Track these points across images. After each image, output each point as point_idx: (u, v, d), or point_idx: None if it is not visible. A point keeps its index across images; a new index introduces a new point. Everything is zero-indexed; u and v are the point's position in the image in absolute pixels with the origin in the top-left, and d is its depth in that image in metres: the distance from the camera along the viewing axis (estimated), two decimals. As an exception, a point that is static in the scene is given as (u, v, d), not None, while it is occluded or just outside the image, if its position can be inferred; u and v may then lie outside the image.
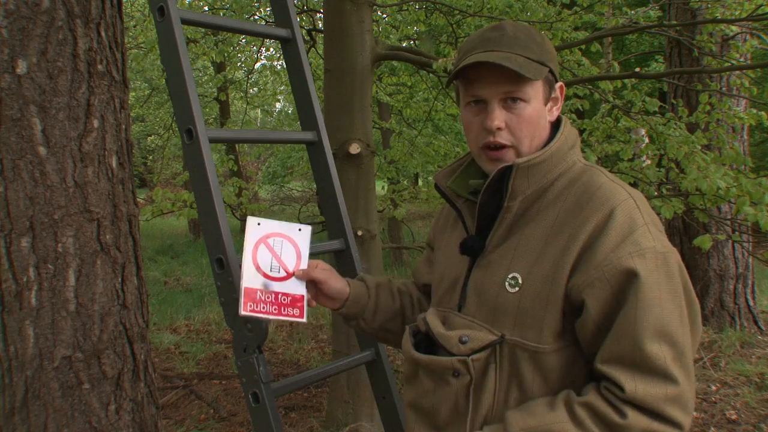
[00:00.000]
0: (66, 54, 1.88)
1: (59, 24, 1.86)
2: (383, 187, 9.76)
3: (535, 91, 1.23)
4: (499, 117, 1.22)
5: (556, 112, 1.29)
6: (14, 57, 1.82)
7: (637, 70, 4.79)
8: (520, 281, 1.21)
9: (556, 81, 1.28)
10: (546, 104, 1.27)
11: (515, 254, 1.23)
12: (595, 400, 1.12)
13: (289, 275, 1.44)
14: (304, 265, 1.47)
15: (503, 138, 1.24)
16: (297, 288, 1.44)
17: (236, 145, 12.10)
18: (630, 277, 1.11)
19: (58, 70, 1.86)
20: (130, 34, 9.58)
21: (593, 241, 1.14)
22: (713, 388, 4.51)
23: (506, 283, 1.22)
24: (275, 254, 1.43)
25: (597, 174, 1.22)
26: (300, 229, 1.48)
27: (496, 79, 1.20)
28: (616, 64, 5.43)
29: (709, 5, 5.11)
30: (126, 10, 10.53)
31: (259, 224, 1.43)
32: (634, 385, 1.09)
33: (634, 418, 1.09)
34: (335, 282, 1.49)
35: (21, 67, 1.82)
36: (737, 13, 4.81)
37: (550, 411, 1.14)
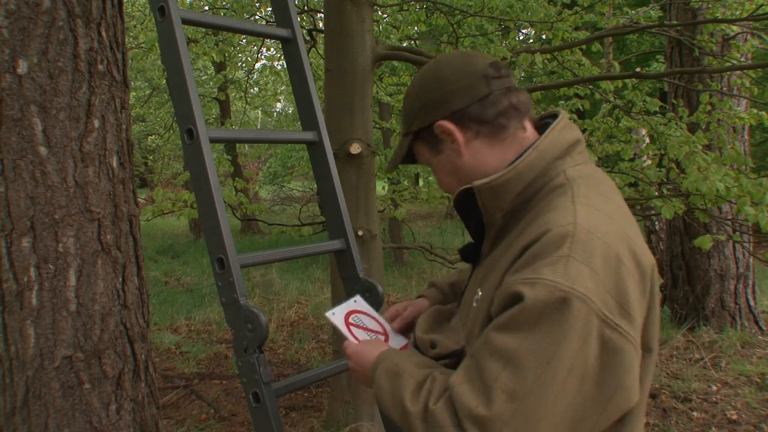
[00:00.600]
0: (67, 54, 1.88)
1: (60, 24, 1.86)
2: (384, 187, 9.76)
3: (421, 152, 1.31)
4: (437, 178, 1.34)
5: (462, 139, 1.22)
6: (15, 57, 1.82)
7: (638, 70, 4.79)
8: (479, 295, 1.19)
9: (430, 126, 1.24)
10: (439, 154, 1.26)
11: (489, 268, 1.21)
12: (437, 377, 1.12)
13: (386, 335, 1.50)
14: (386, 321, 1.53)
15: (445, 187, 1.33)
16: (400, 341, 1.50)
17: (236, 145, 12.10)
18: (515, 300, 1.03)
19: (58, 70, 1.86)
20: (131, 33, 9.58)
21: (516, 260, 1.10)
22: (714, 388, 4.51)
23: (474, 297, 1.20)
24: (365, 328, 1.50)
25: (565, 193, 1.13)
26: (355, 300, 1.58)
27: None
28: (616, 64, 5.43)
29: (710, 5, 5.11)
30: (126, 9, 10.53)
31: (333, 314, 1.51)
32: (459, 381, 1.05)
33: (440, 410, 1.05)
34: (418, 308, 1.52)
35: (22, 67, 1.82)
36: (738, 13, 4.81)
37: (416, 369, 1.16)
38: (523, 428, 1.00)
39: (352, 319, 1.53)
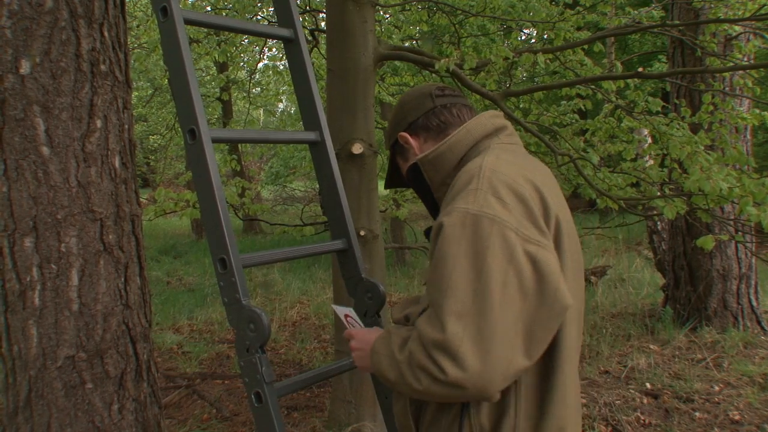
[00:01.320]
0: (69, 54, 1.88)
1: (62, 24, 1.87)
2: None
3: (400, 165, 1.62)
4: None
5: (415, 144, 1.53)
6: (18, 57, 1.82)
7: (640, 70, 4.78)
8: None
9: (398, 140, 1.56)
10: (407, 161, 1.56)
11: None
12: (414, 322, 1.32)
13: None
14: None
15: None
16: None
17: (239, 145, 12.08)
18: (438, 231, 1.23)
19: (61, 70, 1.87)
20: (133, 34, 9.59)
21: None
22: (716, 388, 4.50)
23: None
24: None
25: (481, 154, 1.36)
26: (352, 308, 1.73)
27: None
28: (618, 64, 5.41)
29: (712, 5, 5.10)
30: (129, 10, 10.55)
31: (337, 308, 1.73)
32: (421, 321, 1.22)
33: (414, 348, 1.21)
34: None
35: (24, 68, 1.83)
36: (740, 12, 4.80)
37: (404, 330, 1.32)
38: (479, 341, 1.13)
39: (348, 320, 1.68)
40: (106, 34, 1.98)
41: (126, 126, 2.07)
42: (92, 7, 1.93)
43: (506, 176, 1.25)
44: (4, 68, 1.82)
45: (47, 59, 1.85)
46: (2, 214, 1.85)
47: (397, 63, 8.27)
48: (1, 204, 1.85)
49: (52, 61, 1.85)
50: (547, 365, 1.27)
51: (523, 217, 1.20)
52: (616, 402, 4.25)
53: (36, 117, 1.84)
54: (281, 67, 9.28)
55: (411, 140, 1.53)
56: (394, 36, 7.19)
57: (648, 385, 4.58)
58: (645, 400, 4.31)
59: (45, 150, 1.85)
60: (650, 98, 5.12)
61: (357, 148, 3.62)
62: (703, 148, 4.16)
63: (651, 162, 5.31)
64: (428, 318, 1.20)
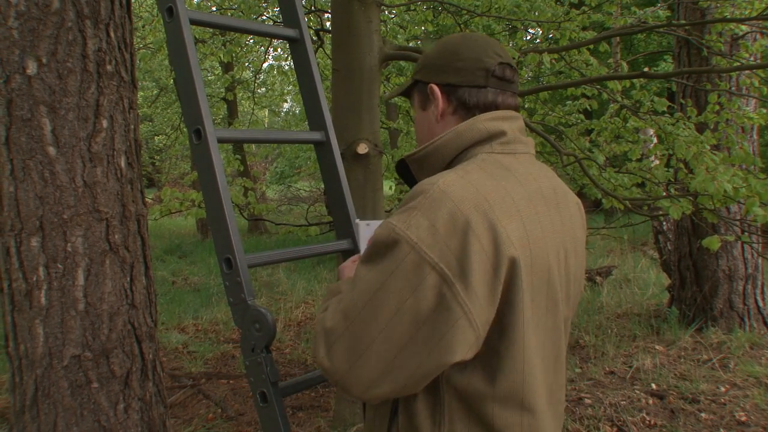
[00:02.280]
0: (75, 54, 1.89)
1: (69, 25, 1.87)
2: (391, 187, 9.76)
3: (415, 99, 1.44)
4: None
5: (442, 108, 1.36)
6: (24, 58, 1.83)
7: (646, 69, 4.77)
8: None
9: (427, 83, 1.38)
10: (424, 110, 1.40)
11: None
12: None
13: None
14: None
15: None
16: None
17: (244, 145, 12.10)
18: (373, 236, 1.21)
19: (67, 70, 1.87)
20: (139, 34, 9.61)
21: None
22: (722, 389, 4.48)
23: None
24: None
25: (454, 169, 1.23)
26: None
27: None
28: (624, 64, 5.41)
29: (719, 4, 5.08)
30: (135, 10, 10.57)
31: (368, 225, 1.59)
32: (336, 299, 1.24)
33: (320, 314, 1.24)
34: None
35: (31, 68, 1.83)
36: (747, 12, 4.79)
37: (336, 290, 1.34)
38: (353, 347, 1.14)
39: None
40: (112, 34, 1.99)
41: (132, 126, 2.08)
42: (98, 8, 1.94)
43: (454, 202, 1.12)
44: (12, 69, 1.82)
45: (54, 60, 1.85)
46: (9, 214, 1.86)
47: (402, 63, 8.26)
48: (7, 204, 1.86)
49: (58, 61, 1.86)
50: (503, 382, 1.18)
51: (454, 254, 1.09)
52: (622, 402, 4.24)
53: (42, 117, 1.85)
54: (286, 67, 9.29)
55: (441, 101, 1.36)
56: (399, 36, 7.20)
57: (653, 385, 4.57)
58: (650, 401, 4.30)
59: (51, 150, 1.86)
60: (656, 98, 5.11)
61: (362, 148, 3.62)
62: (709, 148, 4.15)
63: (656, 162, 5.30)
64: (338, 301, 1.21)
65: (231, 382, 4.99)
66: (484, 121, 1.30)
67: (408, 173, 1.42)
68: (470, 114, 1.33)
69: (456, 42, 1.38)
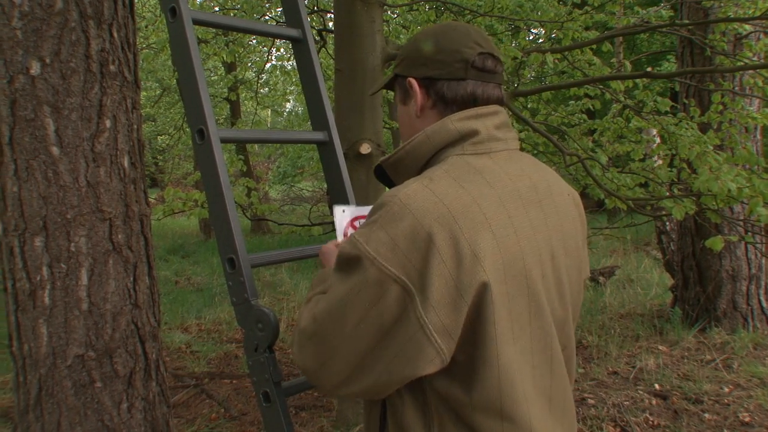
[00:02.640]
0: (79, 55, 1.89)
1: (72, 25, 1.88)
2: (393, 187, 9.73)
3: (396, 93, 1.38)
4: None
5: (421, 102, 1.31)
6: (28, 58, 1.83)
7: (649, 69, 4.76)
8: None
9: (406, 77, 1.33)
10: (404, 104, 1.35)
11: None
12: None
13: None
14: None
15: None
16: None
17: (247, 145, 12.11)
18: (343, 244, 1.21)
19: (71, 70, 1.88)
20: (142, 34, 9.63)
21: None
22: (726, 390, 4.47)
23: None
24: None
25: (420, 177, 1.19)
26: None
27: None
28: (627, 64, 5.40)
29: (722, 4, 5.07)
30: (138, 10, 10.59)
31: (343, 211, 1.56)
32: (314, 300, 1.24)
33: (302, 307, 1.26)
34: None
35: (35, 68, 1.84)
36: (750, 11, 4.78)
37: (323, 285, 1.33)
38: (320, 350, 1.17)
39: (358, 222, 1.58)
40: (115, 34, 1.99)
41: (135, 126, 2.08)
42: (101, 8, 1.94)
43: (415, 215, 1.09)
44: (15, 69, 1.83)
45: (57, 60, 1.86)
46: (13, 214, 1.87)
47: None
48: (11, 203, 1.87)
49: (62, 61, 1.86)
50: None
51: (415, 267, 1.07)
52: (625, 403, 4.23)
53: (46, 117, 1.85)
54: (289, 67, 9.29)
55: (419, 96, 1.30)
56: (401, 36, 7.20)
57: (657, 386, 4.56)
58: (654, 401, 4.30)
59: (55, 150, 1.86)
60: (659, 98, 5.10)
61: (365, 148, 3.63)
62: (712, 148, 4.15)
63: (660, 162, 5.29)
64: (315, 301, 1.22)
65: (234, 381, 4.99)
66: (454, 122, 1.24)
67: (388, 176, 1.37)
68: (449, 109, 1.28)
69: (434, 33, 1.32)
